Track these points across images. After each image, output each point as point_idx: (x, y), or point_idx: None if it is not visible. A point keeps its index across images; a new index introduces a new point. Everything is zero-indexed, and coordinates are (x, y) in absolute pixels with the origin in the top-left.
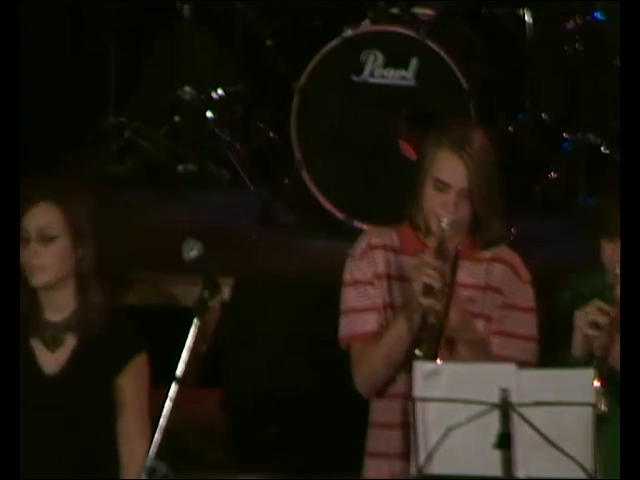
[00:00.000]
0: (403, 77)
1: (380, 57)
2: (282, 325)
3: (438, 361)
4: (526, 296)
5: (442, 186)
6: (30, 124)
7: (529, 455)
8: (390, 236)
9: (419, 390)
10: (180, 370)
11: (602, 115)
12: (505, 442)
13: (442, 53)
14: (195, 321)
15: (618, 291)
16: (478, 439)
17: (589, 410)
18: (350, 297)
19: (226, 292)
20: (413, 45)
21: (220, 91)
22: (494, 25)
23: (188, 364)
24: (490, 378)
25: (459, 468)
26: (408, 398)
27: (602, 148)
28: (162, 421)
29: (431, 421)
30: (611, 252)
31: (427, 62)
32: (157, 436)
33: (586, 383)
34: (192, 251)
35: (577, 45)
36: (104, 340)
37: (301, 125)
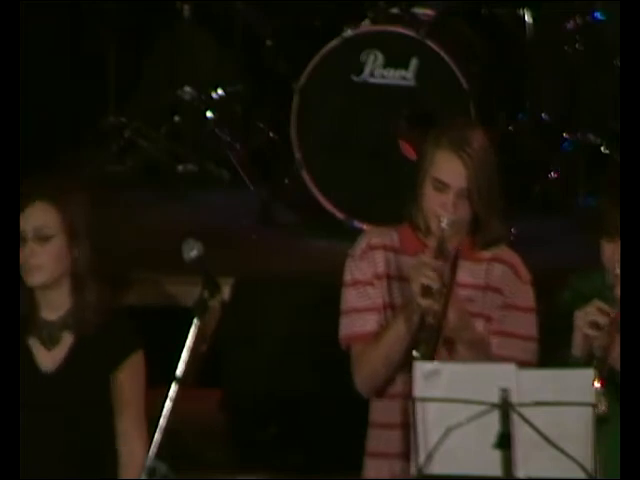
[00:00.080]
0: (403, 77)
1: (380, 57)
2: (282, 325)
3: (435, 361)
4: (526, 296)
5: (441, 186)
6: (30, 124)
7: (529, 455)
8: (390, 236)
9: (419, 390)
10: (180, 370)
11: (602, 115)
12: (505, 442)
13: (442, 53)
14: (195, 321)
15: (618, 291)
16: (478, 439)
17: (589, 410)
18: (350, 297)
19: (226, 292)
20: (413, 45)
21: (220, 91)
22: (494, 25)
23: (188, 364)
24: (490, 378)
25: (459, 468)
26: (408, 398)
27: (602, 148)
28: (162, 421)
29: (431, 421)
30: (611, 252)
31: (427, 62)
32: (157, 436)
33: (586, 383)
34: (192, 251)
35: (577, 45)
36: (101, 338)
37: (301, 125)
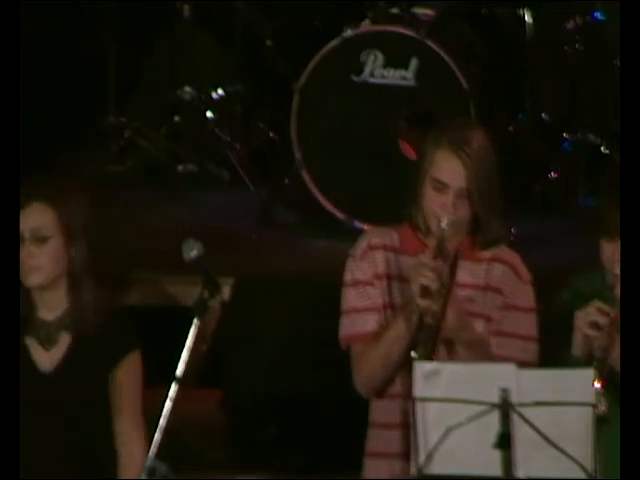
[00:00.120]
0: (403, 77)
1: (380, 57)
2: (282, 325)
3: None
4: (526, 296)
5: (441, 186)
6: (30, 124)
7: (529, 455)
8: (390, 236)
9: (419, 390)
10: (180, 370)
11: (602, 115)
12: (505, 442)
13: (442, 53)
14: (195, 321)
15: (618, 291)
16: (478, 439)
17: (589, 410)
18: (350, 297)
19: (226, 292)
20: (413, 45)
21: (220, 91)
22: (494, 25)
23: (188, 364)
24: (490, 378)
25: (459, 468)
26: (408, 398)
27: (602, 148)
28: (162, 421)
29: (431, 421)
30: (611, 252)
31: (427, 62)
32: (157, 436)
33: (586, 383)
34: (192, 251)
35: (577, 45)
36: (98, 338)
37: (301, 125)
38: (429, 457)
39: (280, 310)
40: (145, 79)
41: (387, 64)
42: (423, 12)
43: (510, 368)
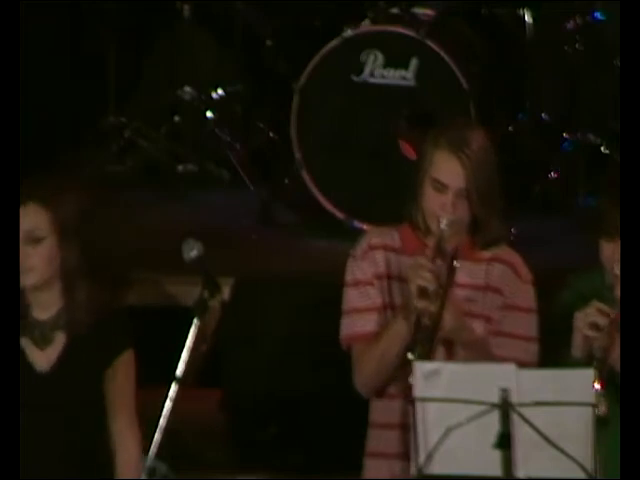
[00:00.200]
0: (403, 77)
1: (380, 57)
2: (282, 325)
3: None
4: (526, 296)
5: (440, 187)
6: (30, 124)
7: (529, 455)
8: (391, 236)
9: (419, 390)
10: (180, 370)
11: (602, 115)
12: (505, 442)
13: (442, 53)
14: (195, 321)
15: (618, 291)
16: (478, 439)
17: (589, 410)
18: (351, 297)
19: (226, 292)
20: (413, 45)
21: (220, 91)
22: (494, 25)
23: (188, 364)
24: (490, 378)
25: (459, 468)
26: (408, 398)
27: (602, 148)
28: (162, 421)
29: (431, 421)
30: (610, 252)
31: (427, 62)
32: (157, 436)
33: (586, 383)
34: (192, 251)
35: (577, 45)
36: (93, 337)
37: (301, 125)
38: (429, 457)
39: (280, 310)
40: (145, 79)
41: (387, 64)
42: (423, 12)
43: (510, 368)
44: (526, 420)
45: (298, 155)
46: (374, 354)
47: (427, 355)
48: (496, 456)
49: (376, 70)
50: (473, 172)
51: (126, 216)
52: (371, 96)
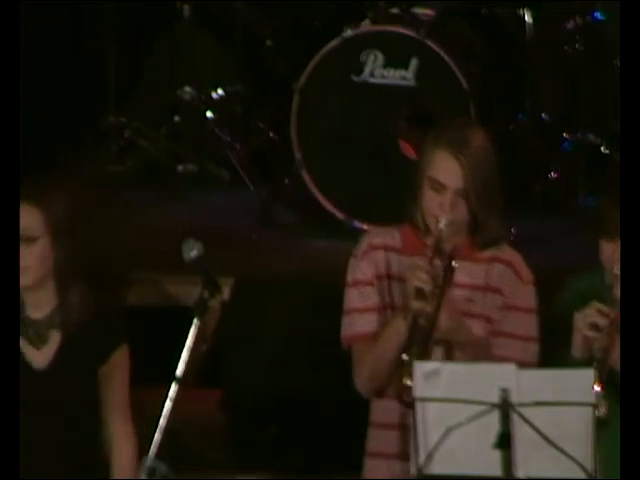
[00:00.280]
0: (403, 77)
1: (380, 57)
2: (282, 325)
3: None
4: (526, 296)
5: (438, 186)
6: (30, 124)
7: (529, 455)
8: (392, 236)
9: (419, 390)
10: (180, 370)
11: (602, 115)
12: (505, 442)
13: (442, 53)
14: (195, 321)
15: (617, 291)
16: (478, 439)
17: (589, 410)
18: (351, 297)
19: (226, 292)
20: (413, 45)
21: (220, 91)
22: (494, 25)
23: (188, 364)
24: (490, 378)
25: (459, 468)
26: (401, 400)
27: (602, 148)
28: (162, 421)
29: (431, 421)
30: (610, 252)
31: (427, 62)
32: (157, 436)
33: (586, 383)
34: (192, 251)
35: (577, 45)
36: (88, 334)
37: (301, 125)
38: (429, 457)
39: (280, 310)
40: (145, 79)
41: (387, 64)
42: (423, 12)
43: (510, 368)
44: (526, 420)
45: (298, 155)
46: (373, 354)
47: (423, 356)
48: (496, 456)
49: (376, 70)
50: (472, 172)
51: (126, 216)
52: (371, 96)
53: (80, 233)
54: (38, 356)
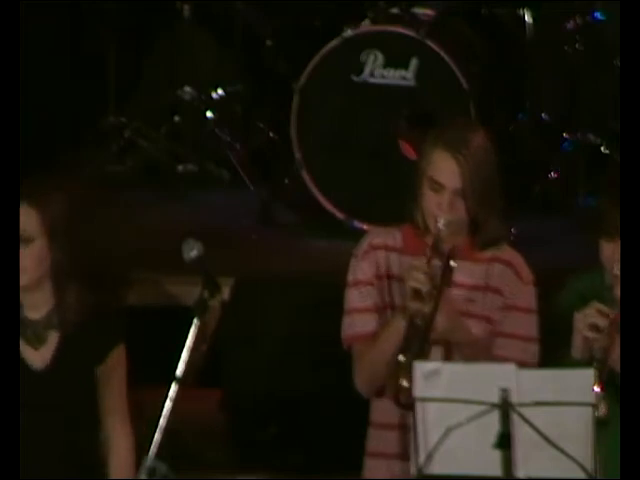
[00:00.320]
0: (403, 77)
1: (380, 57)
2: (282, 325)
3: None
4: (527, 297)
5: (437, 186)
6: (30, 124)
7: (529, 455)
8: (393, 236)
9: (419, 390)
10: (180, 370)
11: (602, 115)
12: (505, 442)
13: (442, 53)
14: (195, 321)
15: (617, 291)
16: (478, 439)
17: (589, 410)
18: (352, 297)
19: (226, 292)
20: (413, 45)
21: (220, 91)
22: (494, 25)
23: (188, 364)
24: (490, 378)
25: (459, 468)
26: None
27: (602, 148)
28: (162, 421)
29: (431, 421)
30: (610, 251)
31: (427, 62)
32: (157, 436)
33: (586, 383)
34: (192, 251)
35: (577, 45)
36: (86, 334)
37: (301, 125)
38: (429, 457)
39: (280, 310)
40: (145, 79)
41: (387, 64)
42: (423, 12)
43: (510, 368)
44: (526, 420)
45: (298, 155)
46: (373, 354)
47: (420, 357)
48: (496, 456)
49: (376, 70)
50: (470, 172)
51: (126, 216)
52: (371, 96)
53: (77, 234)
54: (36, 357)
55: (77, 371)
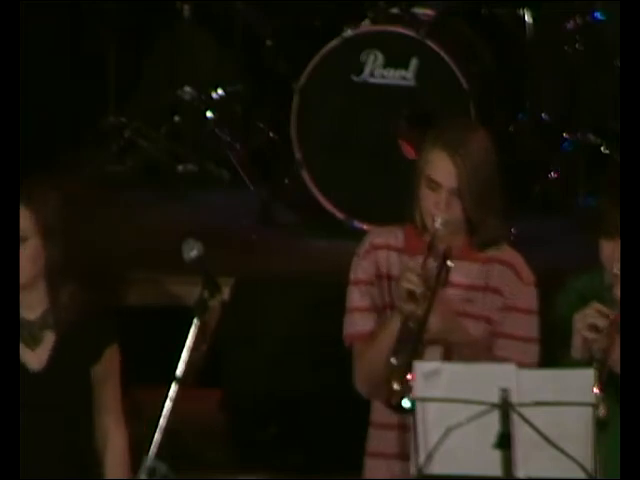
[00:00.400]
0: (403, 77)
1: (380, 57)
2: (282, 325)
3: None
4: (527, 297)
5: (434, 185)
6: (30, 124)
7: (529, 455)
8: (394, 236)
9: (419, 390)
10: (180, 370)
11: (602, 115)
12: (505, 442)
13: (442, 53)
14: (195, 321)
15: (617, 291)
16: (478, 439)
17: (589, 410)
18: (353, 296)
19: (226, 292)
20: (413, 45)
21: (220, 91)
22: (494, 25)
23: (188, 364)
24: (490, 378)
25: (459, 468)
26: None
27: (602, 148)
28: (162, 421)
29: (431, 421)
30: (610, 251)
31: (427, 62)
32: (157, 436)
33: (586, 383)
34: (192, 251)
35: (577, 45)
36: (80, 334)
37: (301, 125)
38: (429, 457)
39: (280, 310)
40: (145, 79)
41: (387, 64)
42: (423, 12)
43: (510, 368)
44: (526, 420)
45: (298, 155)
46: (370, 354)
47: (412, 359)
48: (496, 456)
49: (376, 70)
50: (466, 172)
51: (126, 216)
52: (371, 96)
53: (71, 233)
54: (33, 357)
55: (74, 371)
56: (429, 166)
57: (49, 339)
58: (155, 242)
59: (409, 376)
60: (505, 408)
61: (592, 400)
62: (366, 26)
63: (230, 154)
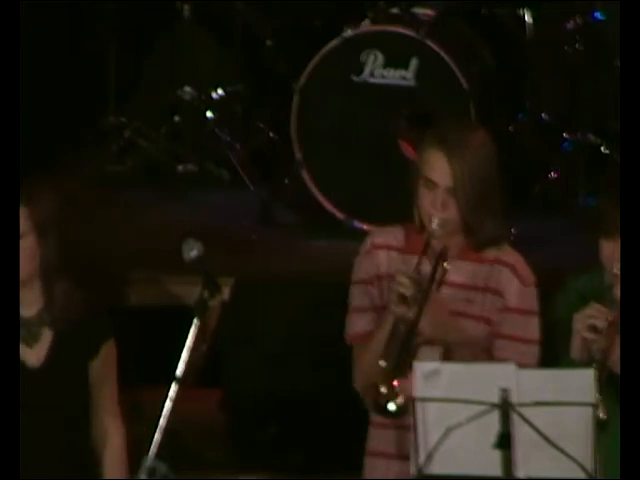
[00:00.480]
0: (403, 77)
1: (380, 57)
2: (282, 325)
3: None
4: (527, 298)
5: (431, 185)
6: (30, 124)
7: (529, 455)
8: (395, 235)
9: (419, 390)
10: (180, 370)
11: (602, 115)
12: (505, 442)
13: (442, 53)
14: (195, 321)
15: (617, 291)
16: (478, 439)
17: (589, 410)
18: (354, 296)
19: (226, 292)
20: (413, 45)
21: (220, 91)
22: (494, 25)
23: (188, 364)
24: (490, 378)
25: (459, 468)
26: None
27: (602, 148)
28: (162, 421)
29: (431, 421)
30: (610, 251)
31: (427, 62)
32: (157, 436)
33: (586, 383)
34: (192, 251)
35: (577, 45)
36: (77, 330)
37: (301, 125)
38: (429, 457)
39: (280, 310)
40: (145, 79)
41: (387, 64)
42: (423, 12)
43: (510, 368)
44: (526, 420)
45: (298, 155)
46: (367, 355)
47: (402, 362)
48: (496, 456)
49: (376, 70)
50: (463, 172)
51: (126, 216)
52: (371, 96)
53: (66, 232)
54: (31, 355)
55: (72, 367)
56: (426, 166)
57: (46, 336)
58: (155, 242)
59: (395, 382)
60: (505, 408)
61: (592, 400)
62: (366, 26)
63: (230, 154)
